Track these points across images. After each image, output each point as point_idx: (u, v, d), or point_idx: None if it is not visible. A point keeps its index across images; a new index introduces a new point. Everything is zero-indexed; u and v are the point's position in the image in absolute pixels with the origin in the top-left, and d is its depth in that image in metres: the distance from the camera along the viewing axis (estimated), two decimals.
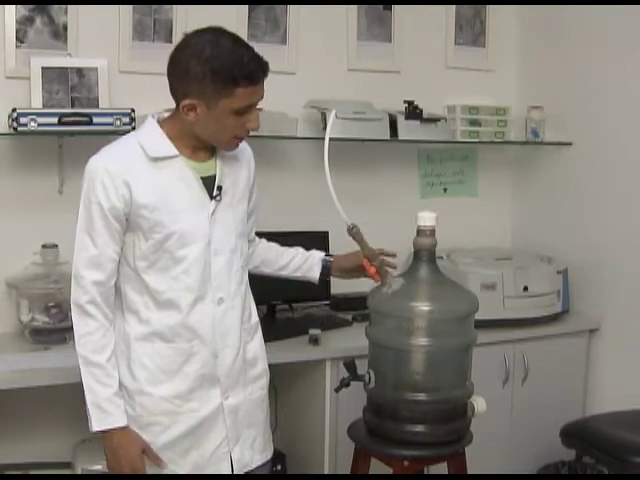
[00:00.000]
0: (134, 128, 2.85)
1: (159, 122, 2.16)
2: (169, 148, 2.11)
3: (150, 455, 2.14)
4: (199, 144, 2.14)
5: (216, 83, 2.01)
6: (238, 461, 2.23)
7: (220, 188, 2.17)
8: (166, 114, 2.20)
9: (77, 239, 2.11)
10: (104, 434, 2.11)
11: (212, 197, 2.16)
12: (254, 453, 2.28)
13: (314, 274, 2.49)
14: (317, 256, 2.51)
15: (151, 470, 2.16)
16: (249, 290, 2.31)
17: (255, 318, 2.33)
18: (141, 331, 2.13)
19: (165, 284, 2.11)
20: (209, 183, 2.16)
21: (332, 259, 2.50)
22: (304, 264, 2.49)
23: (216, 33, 2.06)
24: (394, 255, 2.45)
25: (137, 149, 2.10)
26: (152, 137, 2.12)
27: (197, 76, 2.01)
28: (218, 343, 2.18)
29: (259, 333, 2.34)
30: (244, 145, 2.29)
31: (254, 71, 2.03)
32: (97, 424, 2.09)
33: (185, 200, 2.12)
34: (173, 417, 2.15)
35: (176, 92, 2.08)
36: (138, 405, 2.14)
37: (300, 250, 2.51)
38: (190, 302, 2.13)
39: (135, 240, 2.10)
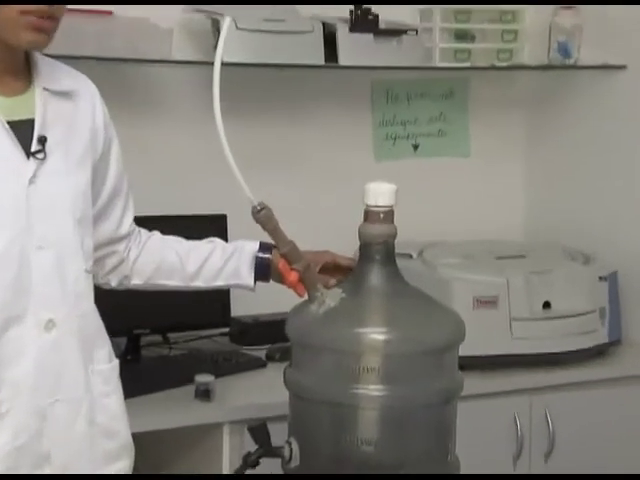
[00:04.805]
0: None
1: None
2: None
3: None
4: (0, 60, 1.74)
5: None
6: None
7: (44, 140, 1.78)
8: None
9: None
10: None
11: (30, 154, 1.76)
12: None
13: (246, 280, 2.03)
14: (248, 252, 2.04)
15: None
16: (96, 311, 1.90)
17: (114, 358, 1.96)
18: None
19: None
20: (25, 131, 1.77)
21: (271, 256, 2.02)
22: (226, 266, 2.03)
23: None
24: (349, 267, 1.98)
25: None
26: None
27: None
28: (45, 394, 1.78)
29: (119, 383, 1.94)
30: (83, 78, 1.92)
31: None
32: None
33: None
34: None
35: None
36: None
37: (218, 244, 2.05)
38: None
39: None
